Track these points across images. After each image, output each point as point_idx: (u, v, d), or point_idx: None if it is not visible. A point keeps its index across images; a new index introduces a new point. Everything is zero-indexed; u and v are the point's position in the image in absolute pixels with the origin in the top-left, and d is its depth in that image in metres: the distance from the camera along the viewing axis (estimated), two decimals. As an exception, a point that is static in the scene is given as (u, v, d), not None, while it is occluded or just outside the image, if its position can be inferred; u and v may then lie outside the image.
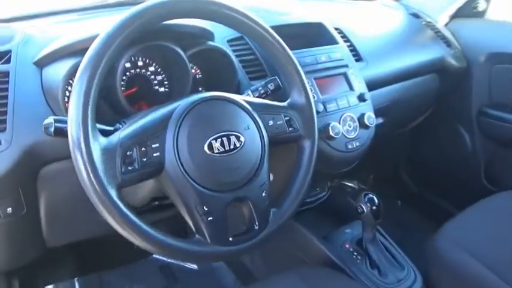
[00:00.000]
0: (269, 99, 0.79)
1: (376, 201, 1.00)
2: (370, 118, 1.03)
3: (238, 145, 0.66)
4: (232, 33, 1.03)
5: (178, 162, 0.61)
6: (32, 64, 0.81)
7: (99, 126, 0.68)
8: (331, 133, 0.97)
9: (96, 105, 0.58)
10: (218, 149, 0.64)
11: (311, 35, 1.13)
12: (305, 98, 0.77)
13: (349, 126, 1.02)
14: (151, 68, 0.93)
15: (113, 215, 0.56)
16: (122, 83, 0.89)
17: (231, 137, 0.65)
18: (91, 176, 0.55)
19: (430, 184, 1.77)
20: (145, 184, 0.70)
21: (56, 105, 0.77)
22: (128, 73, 0.90)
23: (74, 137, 0.56)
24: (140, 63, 0.91)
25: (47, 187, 0.78)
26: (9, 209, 0.73)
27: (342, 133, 0.99)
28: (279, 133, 0.74)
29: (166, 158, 0.61)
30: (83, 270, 1.27)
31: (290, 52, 0.77)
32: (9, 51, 0.81)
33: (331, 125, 0.97)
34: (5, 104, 0.73)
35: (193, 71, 0.98)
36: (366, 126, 1.04)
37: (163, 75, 0.94)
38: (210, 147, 0.63)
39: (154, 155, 0.61)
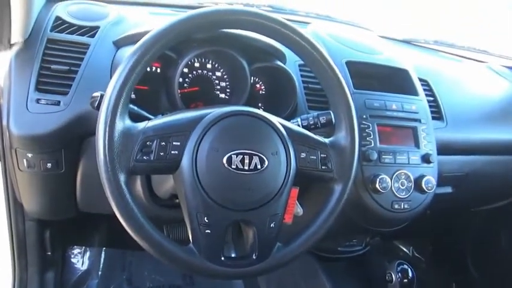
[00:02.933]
0: (317, 133, 0.76)
1: (411, 274, 0.89)
2: (430, 183, 0.93)
3: (259, 167, 0.63)
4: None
5: (194, 165, 0.61)
6: (112, 43, 0.88)
7: (138, 109, 0.71)
8: (377, 186, 0.89)
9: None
10: (236, 165, 0.62)
11: (390, 78, 1.06)
12: (350, 141, 0.72)
13: (402, 185, 0.92)
14: (218, 73, 0.95)
15: (114, 196, 0.57)
16: (187, 79, 0.92)
17: (254, 157, 0.63)
18: (106, 153, 0.57)
19: (497, 277, 1.53)
20: (169, 178, 0.71)
21: None
22: (195, 72, 0.93)
23: (103, 112, 0.58)
24: (209, 66, 0.94)
25: (87, 156, 0.83)
26: (48, 164, 0.79)
27: (391, 189, 0.91)
28: (309, 168, 0.69)
29: (184, 158, 0.61)
30: (110, 243, 1.33)
31: (345, 87, 0.72)
32: (97, 27, 0.89)
33: (380, 177, 0.89)
34: (75, 72, 0.81)
35: (257, 85, 0.99)
36: (422, 191, 0.93)
37: (227, 82, 0.96)
38: (229, 161, 0.62)
39: (173, 152, 0.61)
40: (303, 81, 0.98)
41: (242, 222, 0.65)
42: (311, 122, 0.79)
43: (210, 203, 0.61)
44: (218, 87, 0.95)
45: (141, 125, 0.61)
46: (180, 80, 0.91)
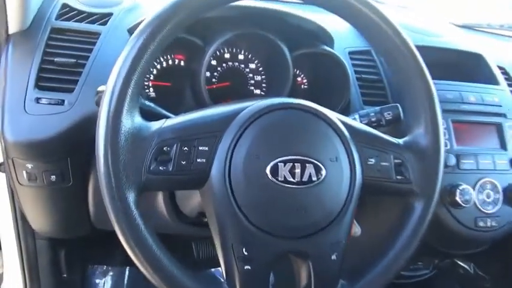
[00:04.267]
0: (380, 131, 0.58)
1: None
2: None
3: (314, 179, 0.46)
4: (357, 45, 0.84)
5: (227, 178, 0.45)
6: (126, 31, 0.74)
7: (153, 106, 0.56)
8: (458, 198, 0.70)
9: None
10: (285, 177, 0.45)
11: (463, 66, 0.87)
12: (432, 141, 0.54)
13: (487, 197, 0.73)
14: (252, 65, 0.80)
15: (120, 222, 0.42)
16: (215, 74, 0.77)
17: (307, 165, 0.46)
18: (109, 163, 0.42)
19: None
20: (195, 193, 0.56)
21: None
22: (224, 64, 0.78)
23: (104, 108, 0.44)
24: (241, 57, 0.79)
25: (99, 165, 0.69)
26: (52, 177, 0.66)
27: (474, 203, 0.72)
28: (380, 179, 0.52)
29: (214, 168, 0.45)
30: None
31: (428, 75, 0.55)
32: (110, 14, 0.76)
33: (460, 188, 0.70)
34: (83, 65, 0.67)
35: (298, 79, 0.82)
36: (513, 204, 0.74)
37: (263, 76, 0.80)
38: (275, 171, 0.45)
39: (199, 160, 0.45)
40: (356, 72, 0.80)
41: (293, 254, 0.48)
42: (373, 119, 0.62)
43: (250, 229, 0.45)
44: (252, 81, 0.80)
45: (156, 125, 0.46)
46: (208, 74, 0.76)
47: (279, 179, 0.45)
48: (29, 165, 0.64)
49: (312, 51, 0.74)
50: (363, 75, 0.81)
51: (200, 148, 0.45)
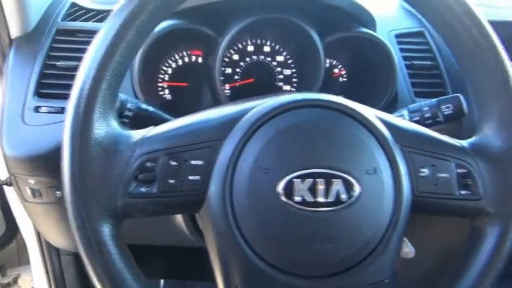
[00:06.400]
0: (436, 131, 0.45)
1: None
2: None
3: (344, 198, 0.35)
4: (405, 26, 0.70)
5: (228, 201, 0.35)
6: None
7: (151, 110, 0.48)
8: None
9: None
10: (303, 197, 0.34)
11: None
12: (510, 141, 0.40)
13: None
14: (280, 58, 0.69)
15: (93, 263, 0.34)
16: (237, 69, 0.68)
17: (334, 180, 0.35)
18: (75, 184, 0.34)
19: None
20: None
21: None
22: (248, 58, 0.68)
23: (69, 112, 0.35)
24: (267, 49, 0.69)
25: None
26: (58, 193, 0.59)
27: None
28: (437, 195, 0.39)
29: (211, 188, 0.35)
30: (168, 274, 1.13)
31: (503, 54, 0.40)
32: None
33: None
34: None
35: (335, 70, 0.70)
36: None
37: (293, 70, 0.69)
38: (289, 189, 0.34)
39: (191, 178, 0.35)
40: (404, 58, 0.67)
41: None
42: (427, 115, 0.49)
43: (258, 267, 0.35)
44: (281, 76, 0.70)
45: (138, 134, 0.37)
46: (229, 70, 0.67)
47: (296, 199, 0.34)
48: (32, 181, 0.59)
49: (347, 35, 0.62)
50: (413, 62, 0.67)
51: (193, 162, 0.36)
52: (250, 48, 0.68)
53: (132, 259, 0.36)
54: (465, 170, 0.39)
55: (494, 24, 0.41)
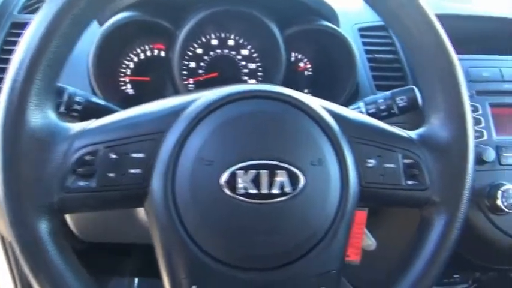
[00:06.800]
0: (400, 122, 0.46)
1: None
2: None
3: (288, 190, 0.34)
4: (369, 19, 0.71)
5: (171, 195, 0.34)
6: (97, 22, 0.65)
7: (102, 104, 0.47)
8: (500, 202, 0.56)
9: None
10: (246, 189, 0.34)
11: (504, 37, 0.70)
12: (456, 132, 0.40)
13: (541, 199, 0.57)
14: (245, 52, 0.68)
15: (29, 261, 0.33)
16: (201, 63, 0.67)
17: (278, 171, 0.34)
18: (8, 179, 0.32)
19: None
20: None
21: None
22: (212, 52, 0.67)
23: (2, 101, 0.33)
24: (231, 43, 0.68)
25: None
26: None
27: (523, 207, 0.57)
28: (384, 185, 0.39)
29: (153, 181, 0.35)
30: (142, 273, 1.12)
31: (448, 44, 0.41)
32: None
33: (503, 189, 0.56)
34: None
35: (301, 64, 0.70)
36: None
37: (258, 64, 0.69)
38: (232, 181, 0.34)
39: (133, 171, 0.35)
40: (367, 51, 0.67)
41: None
42: (382, 107, 0.49)
43: (203, 261, 0.34)
44: (246, 70, 0.69)
45: (78, 127, 0.36)
46: (193, 64, 0.67)
47: (239, 191, 0.34)
48: None
49: (307, 28, 0.61)
50: (376, 55, 0.67)
51: (134, 155, 0.35)
52: (214, 41, 0.67)
53: (73, 256, 0.35)
54: (412, 161, 0.40)
55: (445, 17, 0.41)
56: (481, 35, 0.69)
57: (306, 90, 0.71)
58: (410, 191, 0.39)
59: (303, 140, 0.36)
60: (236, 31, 0.67)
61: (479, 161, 0.57)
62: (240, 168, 0.34)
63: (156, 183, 0.35)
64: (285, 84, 0.66)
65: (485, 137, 0.59)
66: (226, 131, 0.35)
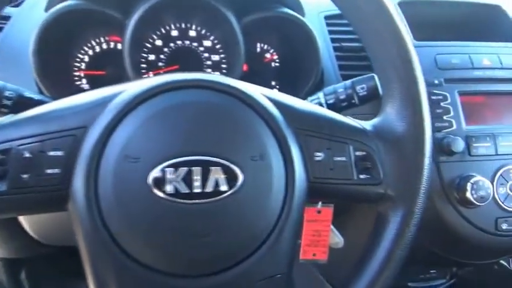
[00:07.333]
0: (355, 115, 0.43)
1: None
2: None
3: (224, 188, 0.31)
4: (335, 8, 0.67)
5: (93, 196, 0.31)
6: (44, 12, 0.61)
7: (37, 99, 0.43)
8: (469, 195, 0.53)
9: None
10: (176, 188, 0.31)
11: (474, 23, 0.68)
12: (411, 121, 0.37)
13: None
14: (207, 43, 0.65)
15: None
16: (161, 56, 0.63)
17: (212, 168, 0.31)
18: None
19: None
20: None
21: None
22: (172, 44, 0.64)
23: None
24: (193, 34, 0.64)
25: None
26: None
27: (494, 199, 0.54)
28: (334, 180, 0.36)
29: (74, 182, 0.31)
30: None
31: (401, 31, 0.38)
32: None
33: (473, 181, 0.53)
34: None
35: (267, 55, 0.67)
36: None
37: (222, 55, 0.65)
38: (161, 180, 0.31)
39: (50, 171, 0.31)
40: (333, 40, 0.64)
41: None
42: (341, 97, 0.46)
43: (129, 267, 0.31)
44: (209, 62, 0.66)
45: None
46: (152, 56, 0.64)
47: (168, 191, 0.31)
48: None
49: (266, 15, 0.58)
50: (342, 44, 0.64)
51: (51, 153, 0.31)
52: (174, 32, 0.64)
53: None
54: (364, 153, 0.37)
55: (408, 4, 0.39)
56: (450, 21, 0.67)
57: (273, 83, 0.68)
58: (362, 185, 0.37)
59: (242, 133, 0.33)
60: (197, 21, 0.64)
61: (448, 152, 0.54)
62: (170, 166, 0.31)
63: (77, 184, 0.31)
64: (252, 76, 0.63)
65: (455, 126, 0.56)
66: (155, 124, 0.32)
